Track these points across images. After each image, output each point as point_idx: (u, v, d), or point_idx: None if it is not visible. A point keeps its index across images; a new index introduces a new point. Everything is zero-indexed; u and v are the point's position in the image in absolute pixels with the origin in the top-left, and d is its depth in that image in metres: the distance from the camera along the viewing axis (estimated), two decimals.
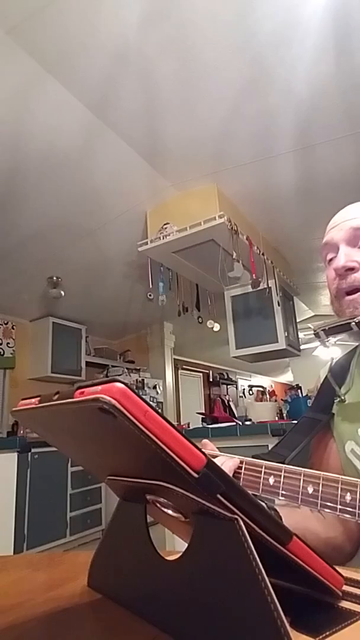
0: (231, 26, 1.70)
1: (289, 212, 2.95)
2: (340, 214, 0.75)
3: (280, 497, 0.59)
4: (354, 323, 0.63)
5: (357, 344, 0.77)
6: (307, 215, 2.87)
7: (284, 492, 0.58)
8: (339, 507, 0.53)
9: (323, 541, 0.67)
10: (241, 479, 0.64)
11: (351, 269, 0.68)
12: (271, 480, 0.60)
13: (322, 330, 0.68)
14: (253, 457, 0.66)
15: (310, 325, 0.76)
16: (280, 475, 0.59)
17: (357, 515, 0.51)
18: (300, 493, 0.56)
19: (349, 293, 0.69)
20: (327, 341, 0.69)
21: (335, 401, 0.76)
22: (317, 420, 0.76)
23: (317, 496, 0.55)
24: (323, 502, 0.54)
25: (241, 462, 0.65)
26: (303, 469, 0.58)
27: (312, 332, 0.71)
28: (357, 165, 2.48)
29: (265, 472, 0.61)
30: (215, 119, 2.17)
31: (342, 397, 0.75)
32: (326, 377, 0.79)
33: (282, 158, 2.44)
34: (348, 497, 0.52)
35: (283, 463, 0.65)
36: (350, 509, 0.52)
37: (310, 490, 0.56)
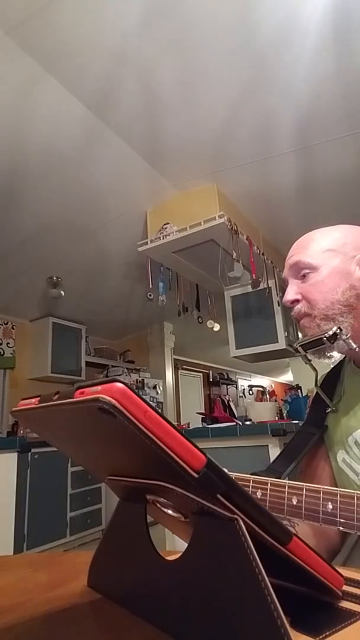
0: (231, 26, 1.70)
1: (289, 211, 2.95)
2: (288, 252, 0.83)
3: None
4: (324, 338, 0.69)
5: (331, 360, 0.80)
6: (307, 215, 2.86)
7: (270, 505, 0.61)
8: (321, 516, 0.54)
9: None
10: None
11: (296, 300, 0.77)
12: (259, 493, 0.62)
13: (300, 345, 0.74)
14: (252, 474, 0.68)
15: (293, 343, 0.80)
16: (267, 489, 0.61)
17: (338, 523, 0.53)
18: (285, 505, 0.58)
19: (299, 319, 0.77)
20: (306, 355, 0.75)
21: (327, 411, 0.79)
22: (311, 434, 0.78)
23: (301, 507, 0.57)
24: (307, 513, 0.56)
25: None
26: (287, 482, 0.61)
27: (292, 349, 0.77)
28: (357, 165, 2.48)
29: (252, 486, 0.63)
30: (215, 119, 2.17)
31: (333, 408, 0.78)
32: (317, 390, 0.82)
33: (282, 158, 2.44)
34: (330, 506, 0.54)
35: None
36: (332, 518, 0.54)
37: (294, 501, 0.58)
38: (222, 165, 2.54)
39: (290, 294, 0.77)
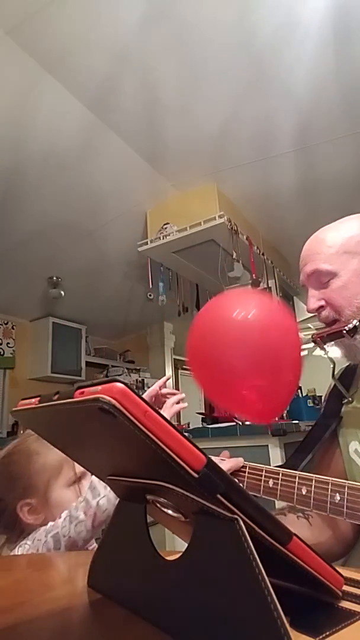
0: (231, 26, 1.70)
1: (289, 211, 2.95)
2: (301, 255, 0.81)
3: (278, 499, 0.63)
4: (344, 331, 0.70)
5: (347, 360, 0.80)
6: (307, 214, 2.86)
7: (281, 494, 0.63)
8: (329, 507, 0.56)
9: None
10: (245, 482, 0.69)
11: (320, 307, 0.77)
12: (270, 483, 0.64)
13: (319, 337, 0.75)
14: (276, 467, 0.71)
15: (310, 326, 0.81)
16: (278, 479, 0.64)
17: (344, 514, 0.54)
18: (295, 494, 0.60)
19: (329, 325, 0.77)
20: (325, 347, 0.75)
21: (343, 402, 0.79)
22: (327, 425, 0.79)
23: (310, 497, 0.59)
24: (315, 503, 0.58)
25: (244, 466, 0.70)
26: (298, 472, 0.62)
27: (311, 339, 0.78)
28: (357, 165, 2.48)
29: (265, 476, 0.66)
30: (215, 119, 2.17)
31: (350, 398, 0.78)
32: (334, 383, 0.83)
33: (282, 158, 2.44)
34: (337, 497, 0.56)
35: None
36: (339, 509, 0.55)
37: (303, 491, 0.60)
38: (222, 165, 2.54)
39: (313, 301, 0.77)
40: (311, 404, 3.13)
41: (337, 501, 0.55)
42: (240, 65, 1.87)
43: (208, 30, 1.72)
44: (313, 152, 2.38)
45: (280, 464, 0.77)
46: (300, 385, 3.60)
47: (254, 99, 2.04)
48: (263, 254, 3.02)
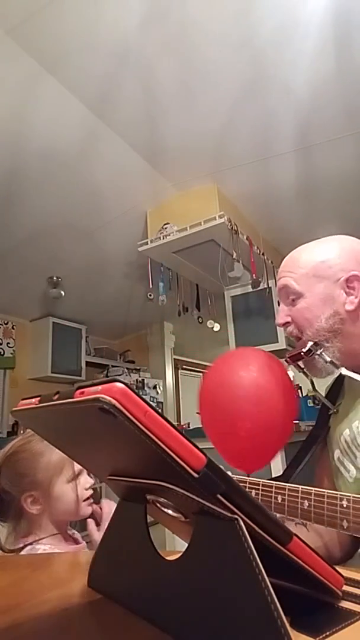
0: (231, 26, 1.70)
1: (290, 211, 2.94)
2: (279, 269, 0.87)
3: None
4: (302, 352, 0.76)
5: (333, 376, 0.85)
6: (307, 214, 2.86)
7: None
8: (299, 513, 0.61)
9: None
10: None
11: (287, 323, 0.82)
12: (253, 493, 0.69)
13: (289, 357, 0.81)
14: (269, 479, 0.75)
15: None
16: (259, 489, 0.69)
17: (312, 519, 0.58)
18: (272, 503, 0.66)
19: (295, 339, 0.83)
20: (292, 366, 0.81)
21: (329, 414, 0.84)
22: (317, 436, 0.84)
23: (284, 504, 0.63)
24: (288, 510, 0.63)
25: None
26: (274, 482, 0.67)
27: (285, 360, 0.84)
28: (357, 165, 2.48)
29: (248, 488, 0.70)
30: (215, 119, 2.17)
31: (334, 410, 0.83)
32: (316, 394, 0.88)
33: (282, 158, 2.44)
34: (306, 504, 0.60)
35: (287, 482, 0.71)
36: (308, 514, 0.60)
37: (279, 500, 0.65)
38: (222, 165, 2.54)
39: (281, 316, 0.83)
40: (311, 404, 3.14)
41: (305, 507, 0.60)
42: (240, 65, 1.87)
43: (208, 30, 1.72)
44: (313, 151, 2.38)
45: (280, 465, 0.80)
46: (300, 385, 3.61)
47: (254, 98, 2.04)
48: (263, 254, 3.02)
